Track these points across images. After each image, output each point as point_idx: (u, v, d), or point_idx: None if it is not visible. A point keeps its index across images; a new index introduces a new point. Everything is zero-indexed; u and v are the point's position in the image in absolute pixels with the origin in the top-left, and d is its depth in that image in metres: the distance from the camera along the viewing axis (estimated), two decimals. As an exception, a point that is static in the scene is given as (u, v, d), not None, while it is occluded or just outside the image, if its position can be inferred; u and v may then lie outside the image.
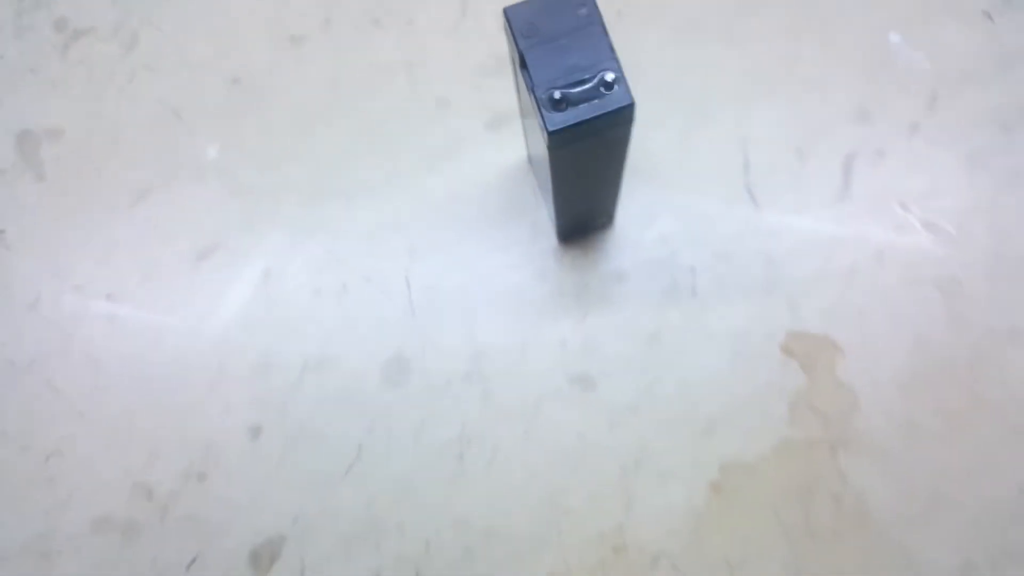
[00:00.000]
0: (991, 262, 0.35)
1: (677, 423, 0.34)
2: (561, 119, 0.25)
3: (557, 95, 0.25)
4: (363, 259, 0.37)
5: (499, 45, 0.39)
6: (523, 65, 0.26)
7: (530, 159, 0.36)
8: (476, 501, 0.34)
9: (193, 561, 0.34)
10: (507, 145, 0.37)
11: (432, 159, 0.38)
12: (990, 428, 0.33)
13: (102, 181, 0.39)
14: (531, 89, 0.25)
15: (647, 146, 0.37)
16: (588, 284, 0.36)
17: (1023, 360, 0.34)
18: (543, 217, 0.37)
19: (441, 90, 0.38)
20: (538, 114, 0.26)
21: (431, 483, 0.34)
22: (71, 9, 0.42)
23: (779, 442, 0.34)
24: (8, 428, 0.37)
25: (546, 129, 0.25)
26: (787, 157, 0.36)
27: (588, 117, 0.25)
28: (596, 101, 0.25)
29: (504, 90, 0.38)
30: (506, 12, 0.25)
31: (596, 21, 0.26)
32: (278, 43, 0.40)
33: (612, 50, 0.25)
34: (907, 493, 0.33)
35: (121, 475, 0.36)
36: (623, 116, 0.26)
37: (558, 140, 0.26)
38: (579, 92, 0.26)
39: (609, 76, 0.25)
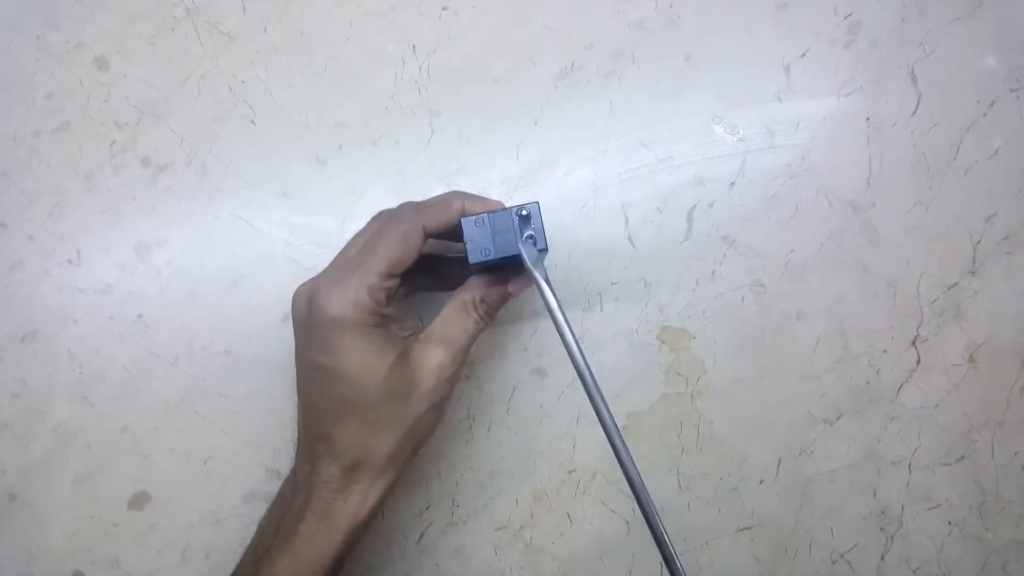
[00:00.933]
0: (783, 269, 0.53)
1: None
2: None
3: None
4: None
5: (459, 152, 0.54)
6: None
7: None
8: (483, 453, 0.52)
9: (313, 512, 0.53)
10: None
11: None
12: (786, 376, 0.52)
13: (204, 273, 0.55)
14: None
15: (563, 216, 0.53)
16: (535, 311, 0.53)
17: (804, 331, 0.52)
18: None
19: (425, 186, 0.54)
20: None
21: (455, 445, 0.52)
22: (151, 150, 0.55)
23: (660, 396, 0.52)
24: (175, 446, 0.54)
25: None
26: (653, 213, 0.53)
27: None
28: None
29: (467, 185, 0.54)
30: (462, 221, 0.41)
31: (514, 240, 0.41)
32: (308, 164, 0.55)
33: (519, 241, 0.41)
34: (738, 420, 0.51)
35: (257, 465, 0.53)
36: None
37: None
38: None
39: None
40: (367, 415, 0.40)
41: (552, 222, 0.53)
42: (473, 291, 0.44)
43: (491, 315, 0.45)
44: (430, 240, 0.43)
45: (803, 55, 0.54)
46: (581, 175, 0.53)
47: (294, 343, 0.43)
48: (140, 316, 0.54)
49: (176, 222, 0.54)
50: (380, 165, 0.54)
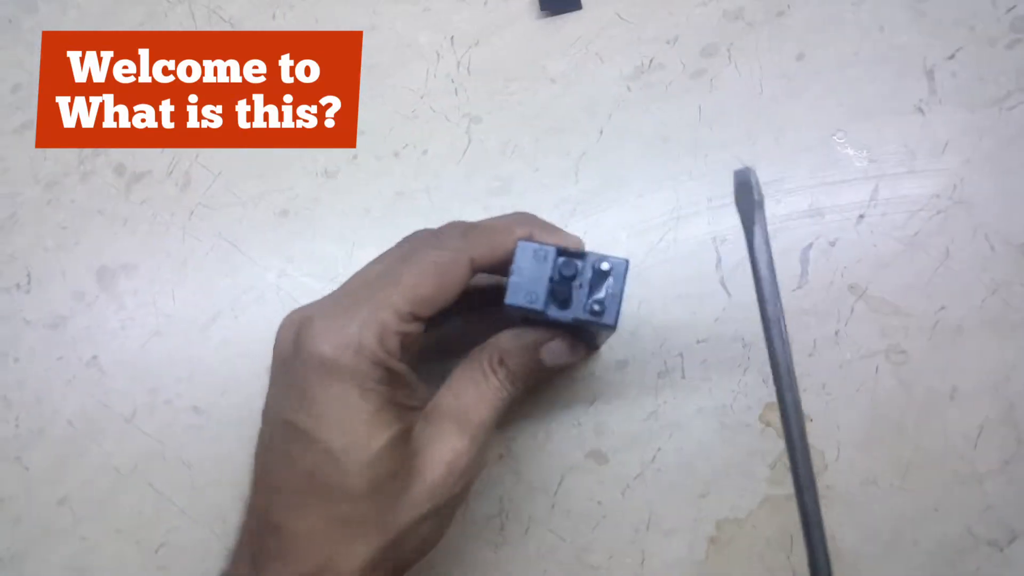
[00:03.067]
0: (930, 332, 0.38)
1: (677, 488, 0.38)
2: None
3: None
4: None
5: (501, 168, 0.41)
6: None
7: None
8: (516, 564, 0.38)
9: (288, 629, 0.38)
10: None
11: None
12: (936, 477, 0.37)
13: (176, 307, 0.42)
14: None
15: (634, 251, 0.40)
16: (595, 372, 0.39)
17: (961, 416, 0.37)
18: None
19: (457, 209, 0.41)
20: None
21: (479, 550, 0.38)
22: (126, 155, 0.44)
23: (763, 499, 0.37)
24: (121, 526, 0.40)
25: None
26: (754, 252, 0.39)
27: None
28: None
29: (510, 208, 0.41)
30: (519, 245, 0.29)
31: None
32: (314, 177, 0.42)
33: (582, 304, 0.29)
34: (870, 536, 0.36)
35: (221, 559, 0.39)
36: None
37: None
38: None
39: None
40: (341, 507, 0.28)
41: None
42: (493, 347, 0.32)
43: (515, 384, 0.32)
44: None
45: (952, 56, 0.40)
46: (659, 199, 0.40)
47: (268, 390, 0.31)
48: (95, 358, 0.41)
49: (148, 243, 0.43)
50: (403, 181, 0.41)
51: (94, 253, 0.43)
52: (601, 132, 0.41)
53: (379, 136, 0.42)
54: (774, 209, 0.39)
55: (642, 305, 0.39)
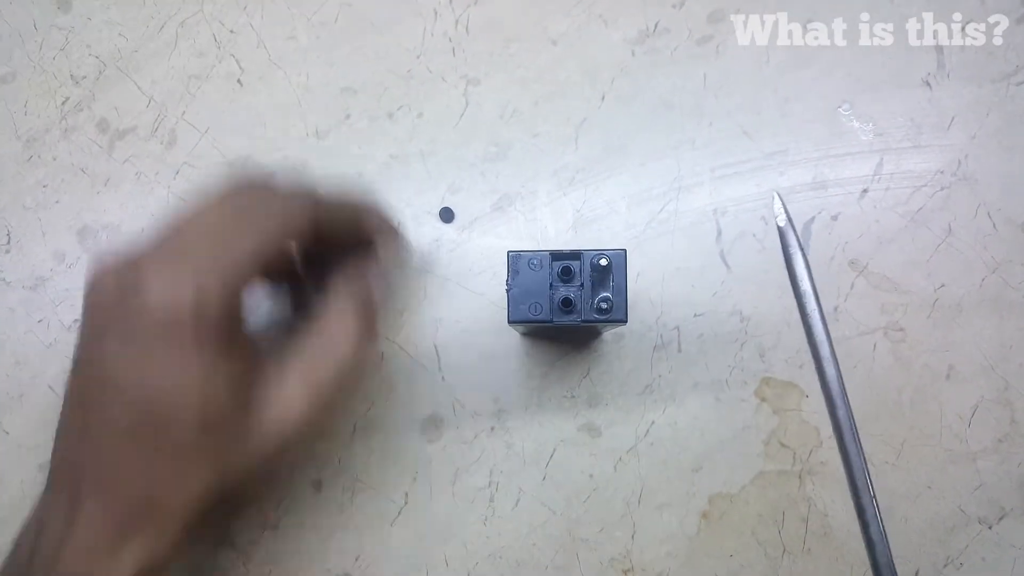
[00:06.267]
0: (929, 309, 0.38)
1: (671, 462, 0.37)
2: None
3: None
4: (397, 332, 0.39)
5: (499, 132, 0.40)
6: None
7: None
8: (506, 536, 0.37)
9: (275, 597, 0.38)
10: (514, 224, 0.39)
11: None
12: (930, 455, 0.36)
13: (160, 270, 0.41)
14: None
15: (633, 222, 0.39)
16: (589, 344, 0.38)
17: (956, 395, 0.37)
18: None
19: (453, 175, 0.40)
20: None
21: (468, 523, 0.38)
22: (110, 111, 0.42)
23: (756, 474, 0.37)
24: (105, 492, 0.40)
25: None
26: (755, 224, 0.38)
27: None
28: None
29: (507, 174, 0.40)
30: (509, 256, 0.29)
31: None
32: (304, 138, 0.41)
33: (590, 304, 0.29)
34: (862, 513, 0.36)
35: (207, 532, 0.39)
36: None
37: None
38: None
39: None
40: (170, 438, 0.26)
41: (619, 229, 0.39)
42: (362, 298, 0.32)
43: (375, 339, 0.34)
44: None
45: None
46: (661, 168, 0.39)
47: (79, 341, 0.28)
48: (76, 322, 0.40)
49: (131, 203, 0.41)
50: (396, 144, 0.40)
51: (75, 213, 0.42)
52: (603, 98, 0.40)
53: (372, 96, 0.41)
54: (777, 181, 0.39)
55: (640, 277, 0.38)
